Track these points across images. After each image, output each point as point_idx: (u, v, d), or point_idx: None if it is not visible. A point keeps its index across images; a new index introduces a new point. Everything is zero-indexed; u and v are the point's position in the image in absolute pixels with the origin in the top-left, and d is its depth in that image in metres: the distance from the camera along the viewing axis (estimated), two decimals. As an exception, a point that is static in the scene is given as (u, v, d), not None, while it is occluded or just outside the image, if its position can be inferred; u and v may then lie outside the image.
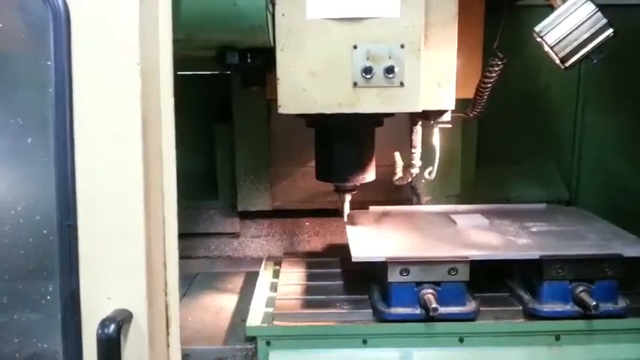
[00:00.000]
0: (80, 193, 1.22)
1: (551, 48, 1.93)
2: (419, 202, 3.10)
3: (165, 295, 1.31)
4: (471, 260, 2.09)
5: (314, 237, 3.22)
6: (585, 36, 1.90)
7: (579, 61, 1.94)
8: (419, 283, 2.08)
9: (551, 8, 1.97)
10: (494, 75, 2.40)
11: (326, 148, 2.42)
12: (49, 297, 1.23)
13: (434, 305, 1.99)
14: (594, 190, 3.13)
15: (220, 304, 2.53)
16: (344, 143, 2.37)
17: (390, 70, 1.99)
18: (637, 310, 2.17)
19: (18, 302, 1.27)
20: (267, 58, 2.11)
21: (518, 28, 2.41)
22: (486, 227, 2.51)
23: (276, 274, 2.67)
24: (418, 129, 2.43)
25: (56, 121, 1.19)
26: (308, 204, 3.12)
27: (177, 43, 1.38)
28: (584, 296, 2.07)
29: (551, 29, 1.92)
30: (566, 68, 1.97)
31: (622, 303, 2.13)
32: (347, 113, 2.06)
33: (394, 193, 3.10)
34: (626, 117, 3.03)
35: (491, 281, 2.35)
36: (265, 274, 2.70)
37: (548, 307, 2.12)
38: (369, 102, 2.04)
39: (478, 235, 2.42)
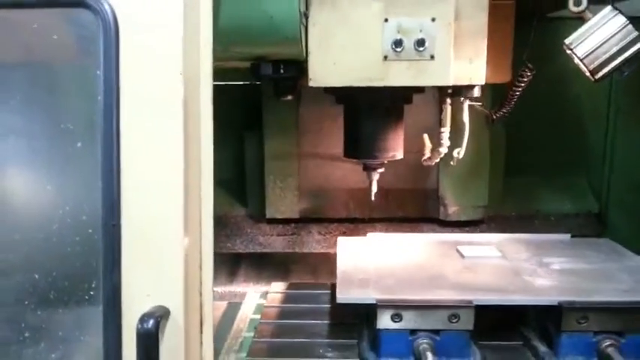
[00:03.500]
0: (124, 195, 1.29)
1: (581, 60, 1.94)
2: (446, 213, 3.12)
3: (200, 295, 1.37)
4: (477, 305, 1.81)
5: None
6: (615, 49, 1.90)
7: (610, 73, 1.95)
8: (414, 331, 1.83)
9: (582, 21, 1.98)
10: (522, 85, 2.43)
11: (354, 125, 2.40)
12: (92, 292, 1.31)
13: (431, 359, 1.75)
14: (625, 203, 3.10)
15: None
16: (372, 120, 2.34)
17: (420, 43, 1.98)
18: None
19: (63, 297, 1.35)
20: (300, 70, 2.18)
21: (548, 39, 2.43)
22: (499, 262, 2.23)
23: (258, 309, 2.46)
24: (447, 108, 2.38)
25: (104, 126, 1.27)
26: (336, 212, 3.18)
27: (213, 53, 1.45)
28: (612, 352, 1.78)
29: (582, 42, 1.94)
30: (596, 80, 1.98)
31: None
32: (376, 89, 2.04)
33: (419, 191, 3.12)
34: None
35: (502, 327, 2.06)
36: (247, 308, 2.51)
37: None
38: (400, 75, 2.02)
39: (488, 272, 2.13)
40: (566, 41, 1.98)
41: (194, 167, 1.33)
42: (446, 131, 2.41)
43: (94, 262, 1.30)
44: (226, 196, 3.24)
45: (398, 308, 1.82)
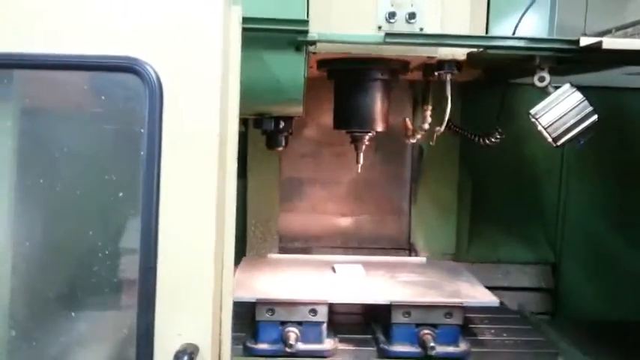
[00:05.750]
0: (161, 242, 1.42)
1: (545, 129, 2.21)
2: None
3: (220, 334, 1.48)
4: (331, 303, 2.34)
5: None
6: (573, 120, 2.18)
7: (569, 141, 2.22)
8: (283, 322, 2.30)
9: (544, 94, 2.27)
10: (488, 143, 2.71)
11: (343, 98, 2.58)
12: (125, 331, 1.40)
13: (291, 342, 2.23)
14: (578, 253, 3.40)
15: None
16: (360, 93, 2.52)
17: (412, 16, 2.19)
18: (477, 354, 2.40)
19: (98, 335, 1.43)
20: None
21: (508, 102, 2.72)
22: (360, 277, 2.75)
23: None
24: (430, 89, 2.63)
25: (145, 179, 1.40)
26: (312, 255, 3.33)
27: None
28: (427, 339, 2.30)
29: (545, 113, 2.21)
30: (557, 146, 2.26)
31: (463, 347, 2.35)
32: (366, 63, 2.26)
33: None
34: (607, 185, 3.33)
35: (359, 325, 2.61)
36: None
37: (395, 348, 2.35)
38: (392, 45, 2.15)
39: (350, 283, 2.65)
40: (532, 111, 2.25)
41: (221, 217, 1.47)
42: (428, 109, 2.61)
43: (129, 302, 1.40)
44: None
45: (271, 305, 2.31)
